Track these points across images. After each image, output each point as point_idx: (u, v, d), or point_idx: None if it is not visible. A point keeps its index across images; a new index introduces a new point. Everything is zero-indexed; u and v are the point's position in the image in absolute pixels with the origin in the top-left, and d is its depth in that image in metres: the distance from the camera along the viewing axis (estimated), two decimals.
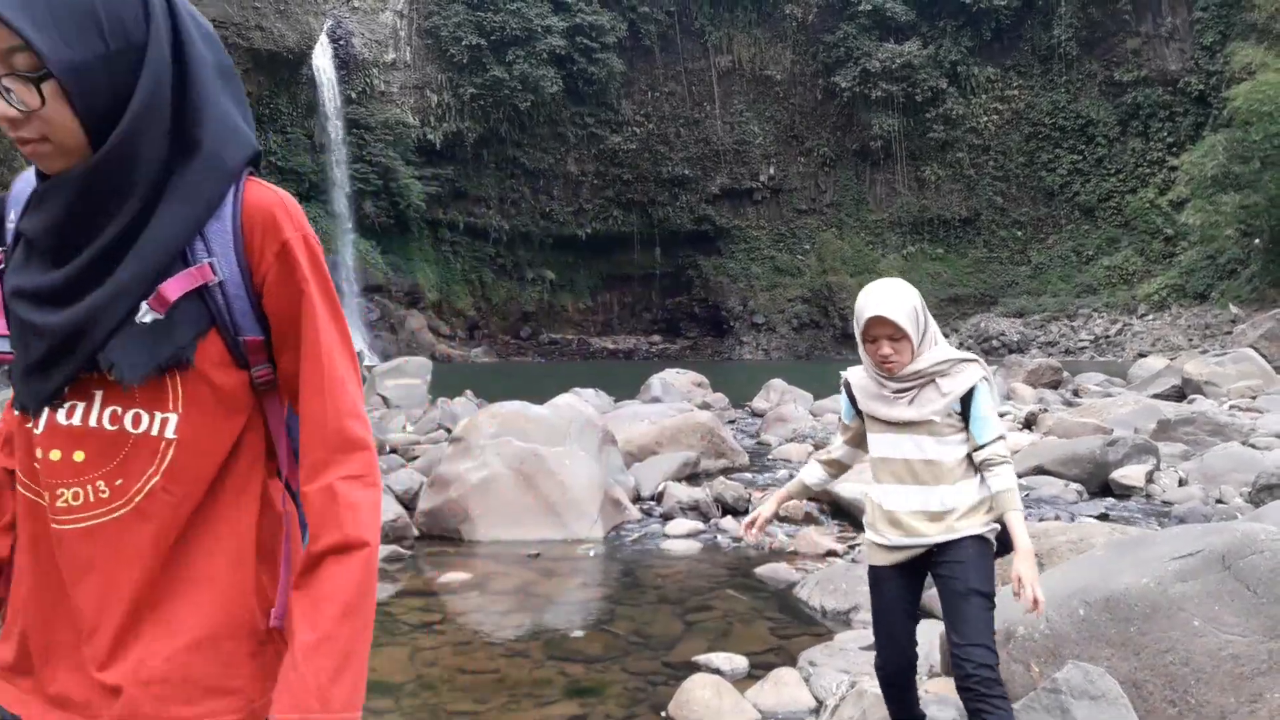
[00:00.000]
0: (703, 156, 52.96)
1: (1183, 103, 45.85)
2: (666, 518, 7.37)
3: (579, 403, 8.83)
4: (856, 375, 2.83)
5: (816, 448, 10.45)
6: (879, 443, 2.76)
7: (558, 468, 7.03)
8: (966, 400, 2.65)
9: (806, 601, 5.17)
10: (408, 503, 7.34)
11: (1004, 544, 2.67)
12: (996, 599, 2.65)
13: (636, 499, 7.98)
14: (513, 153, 50.66)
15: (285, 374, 1.25)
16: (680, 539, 6.77)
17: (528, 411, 7.71)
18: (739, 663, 4.17)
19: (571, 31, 48.00)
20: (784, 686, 3.75)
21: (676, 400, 13.64)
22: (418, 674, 4.15)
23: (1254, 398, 13.38)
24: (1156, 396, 14.08)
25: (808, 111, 52.77)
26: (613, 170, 52.49)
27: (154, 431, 1.17)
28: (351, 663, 1.15)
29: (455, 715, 3.72)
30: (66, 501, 1.16)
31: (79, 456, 1.16)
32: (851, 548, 6.34)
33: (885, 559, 2.77)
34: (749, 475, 9.38)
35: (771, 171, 53.24)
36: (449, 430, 10.71)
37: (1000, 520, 2.63)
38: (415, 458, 9.35)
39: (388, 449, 9.88)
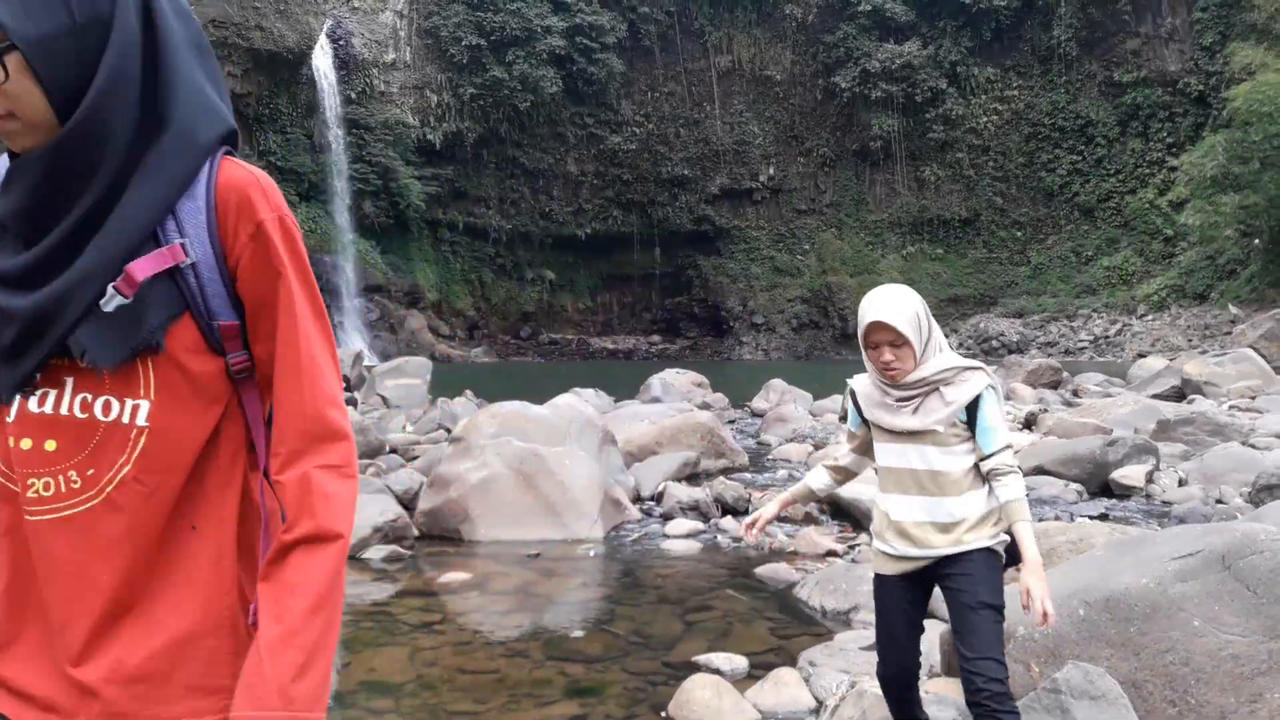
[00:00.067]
0: (702, 157, 52.96)
1: (1182, 103, 45.86)
2: (666, 518, 7.37)
3: (579, 403, 8.83)
4: (861, 383, 2.80)
5: (816, 448, 10.45)
6: (885, 452, 2.73)
7: (558, 468, 7.03)
8: (972, 409, 2.61)
9: (806, 601, 5.17)
10: (408, 503, 7.34)
11: (1013, 555, 2.63)
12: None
13: (636, 499, 7.98)
14: (512, 153, 50.66)
15: (261, 361, 1.20)
16: (680, 539, 6.77)
17: (528, 411, 7.71)
18: (739, 663, 4.17)
19: (571, 32, 48.01)
20: (784, 686, 3.75)
21: (676, 400, 13.64)
22: (418, 674, 4.15)
23: (1253, 398, 13.39)
24: (1156, 397, 14.08)
25: (807, 112, 52.77)
26: (612, 170, 52.49)
27: (125, 419, 1.13)
28: (318, 659, 1.11)
29: (455, 715, 3.72)
30: (38, 492, 1.12)
31: (50, 445, 1.12)
32: (851, 548, 6.34)
33: (892, 568, 2.74)
34: (749, 475, 9.39)
35: (771, 172, 53.24)
36: (449, 430, 10.71)
37: (1009, 531, 2.60)
38: (415, 458, 9.36)
39: (388, 449, 9.88)
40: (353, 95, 44.93)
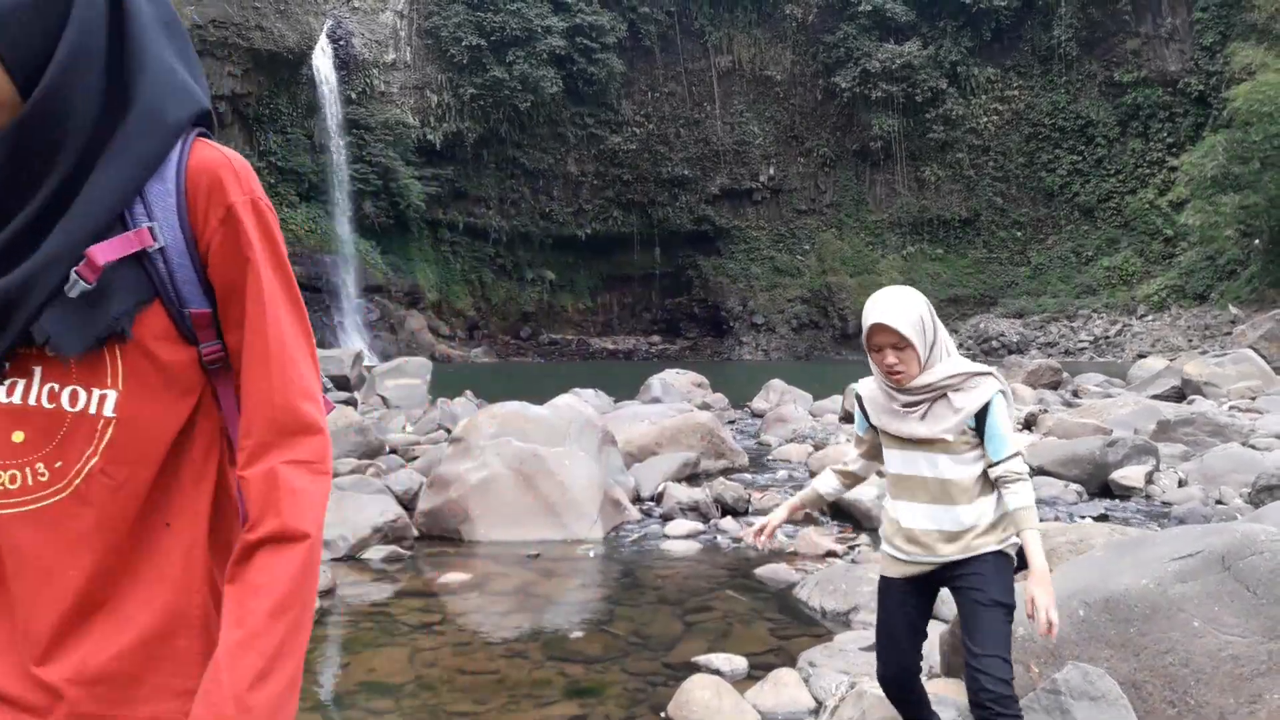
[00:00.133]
0: (702, 157, 52.97)
1: (1182, 103, 45.87)
2: (666, 518, 7.37)
3: (579, 403, 8.83)
4: (867, 387, 2.75)
5: (816, 448, 10.45)
6: (894, 458, 2.70)
7: (557, 468, 7.03)
8: (981, 416, 2.56)
9: (806, 602, 5.17)
10: (407, 503, 7.34)
11: (1024, 559, 2.59)
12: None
13: (636, 499, 7.98)
14: (513, 153, 50.67)
15: (233, 351, 1.15)
16: (680, 539, 6.77)
17: (527, 412, 7.72)
18: (738, 663, 4.17)
19: (571, 32, 48.01)
20: (783, 687, 3.75)
21: (676, 401, 13.64)
22: (417, 674, 4.15)
23: (1254, 398, 13.39)
24: (1156, 397, 14.08)
25: (808, 112, 52.78)
26: (612, 170, 52.49)
27: (92, 409, 1.08)
28: (280, 666, 1.05)
29: (455, 716, 3.72)
30: (4, 485, 1.08)
31: (18, 437, 1.08)
32: (851, 548, 6.34)
33: (898, 571, 2.74)
34: (749, 476, 9.39)
35: (771, 172, 53.24)
36: (449, 430, 10.71)
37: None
38: (415, 458, 9.36)
39: (387, 449, 9.88)
40: (353, 95, 44.93)
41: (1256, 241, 36.87)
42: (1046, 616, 2.39)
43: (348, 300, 42.61)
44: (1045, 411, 12.35)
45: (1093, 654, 3.05)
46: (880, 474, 2.91)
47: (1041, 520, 6.31)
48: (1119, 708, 2.81)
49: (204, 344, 1.14)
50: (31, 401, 1.08)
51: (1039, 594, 2.42)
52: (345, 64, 44.99)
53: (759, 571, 5.80)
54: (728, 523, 7.24)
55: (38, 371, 1.09)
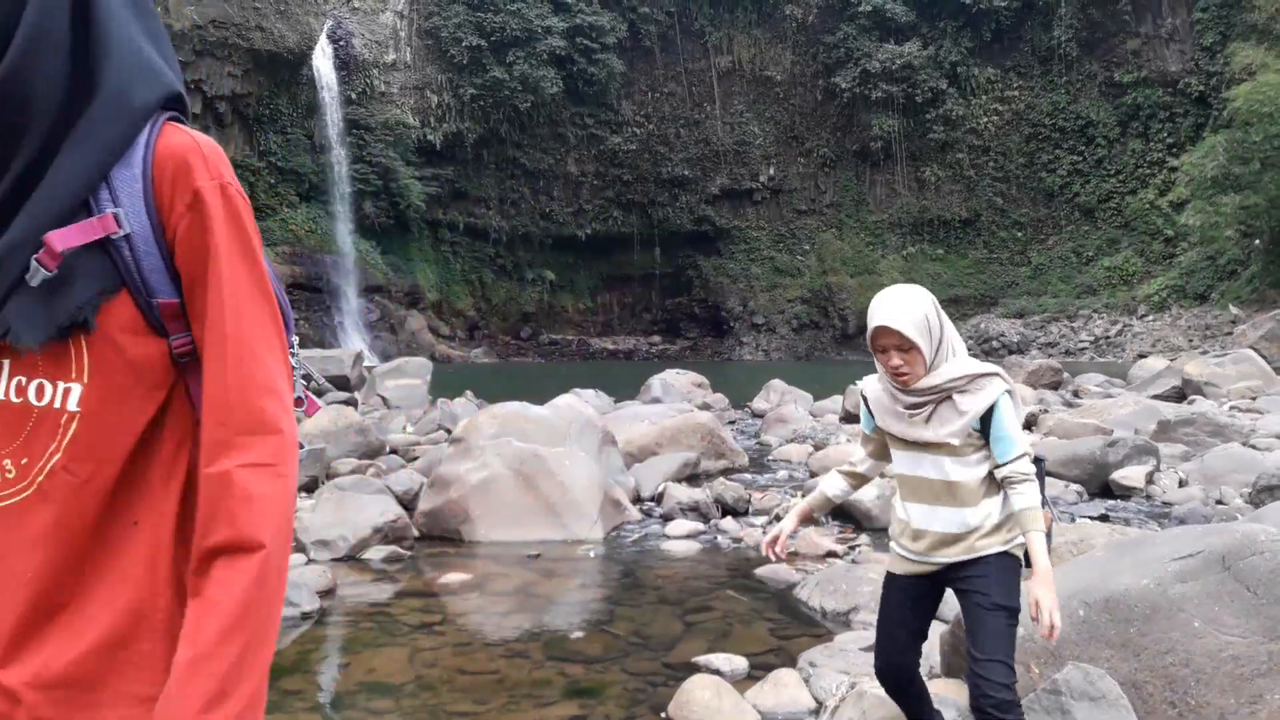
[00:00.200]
0: (703, 157, 52.97)
1: (1183, 104, 45.86)
2: (666, 518, 7.37)
3: (579, 403, 8.84)
4: (872, 387, 2.71)
5: (816, 448, 10.45)
6: (900, 459, 2.68)
7: (558, 468, 7.03)
8: (986, 417, 2.52)
9: (806, 602, 5.17)
10: (408, 503, 7.34)
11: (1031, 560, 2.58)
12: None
13: (636, 500, 7.98)
14: (513, 153, 50.68)
15: (197, 344, 1.10)
16: (680, 540, 6.77)
17: (528, 412, 7.72)
18: (739, 663, 4.17)
19: (571, 32, 48.01)
20: (784, 687, 3.74)
21: (676, 401, 13.64)
22: (417, 675, 4.15)
23: (1254, 398, 13.38)
24: (1156, 397, 14.08)
25: (808, 112, 52.78)
26: (613, 171, 52.50)
27: (56, 404, 1.05)
28: (236, 689, 0.99)
29: (455, 716, 3.72)
30: None
31: None
32: (852, 548, 6.34)
33: (903, 568, 2.74)
34: (749, 476, 9.39)
35: (771, 172, 53.24)
36: (449, 431, 10.71)
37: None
38: (415, 458, 9.36)
39: (388, 449, 9.88)
40: (353, 96, 44.94)
41: (1257, 242, 36.86)
42: (1050, 619, 2.37)
43: (348, 300, 42.62)
44: (1046, 412, 12.35)
45: (1093, 654, 3.05)
46: (883, 475, 2.90)
47: None
48: (1119, 708, 2.81)
49: (174, 336, 1.10)
50: (0, 396, 1.05)
51: (1043, 596, 2.40)
52: (345, 64, 45.00)
53: (759, 571, 5.80)
54: (728, 523, 7.24)
55: (6, 365, 1.05)
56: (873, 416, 2.73)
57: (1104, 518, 6.89)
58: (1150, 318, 41.04)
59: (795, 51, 51.92)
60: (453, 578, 5.77)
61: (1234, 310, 35.84)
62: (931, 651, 3.67)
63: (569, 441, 7.36)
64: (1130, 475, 7.98)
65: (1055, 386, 17.22)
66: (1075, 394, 16.49)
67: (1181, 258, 42.65)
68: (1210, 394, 14.24)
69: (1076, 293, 46.20)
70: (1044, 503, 2.71)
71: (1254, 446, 8.97)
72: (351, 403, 14.32)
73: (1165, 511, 7.26)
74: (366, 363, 20.02)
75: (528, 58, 47.06)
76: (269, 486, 1.06)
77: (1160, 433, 10.05)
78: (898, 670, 2.77)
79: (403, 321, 44.60)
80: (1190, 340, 35.60)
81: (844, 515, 7.17)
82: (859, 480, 2.93)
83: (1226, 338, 31.79)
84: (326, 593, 5.40)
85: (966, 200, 50.84)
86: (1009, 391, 2.56)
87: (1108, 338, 41.17)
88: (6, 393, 1.05)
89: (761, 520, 7.32)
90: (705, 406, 14.12)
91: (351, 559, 6.20)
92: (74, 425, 1.05)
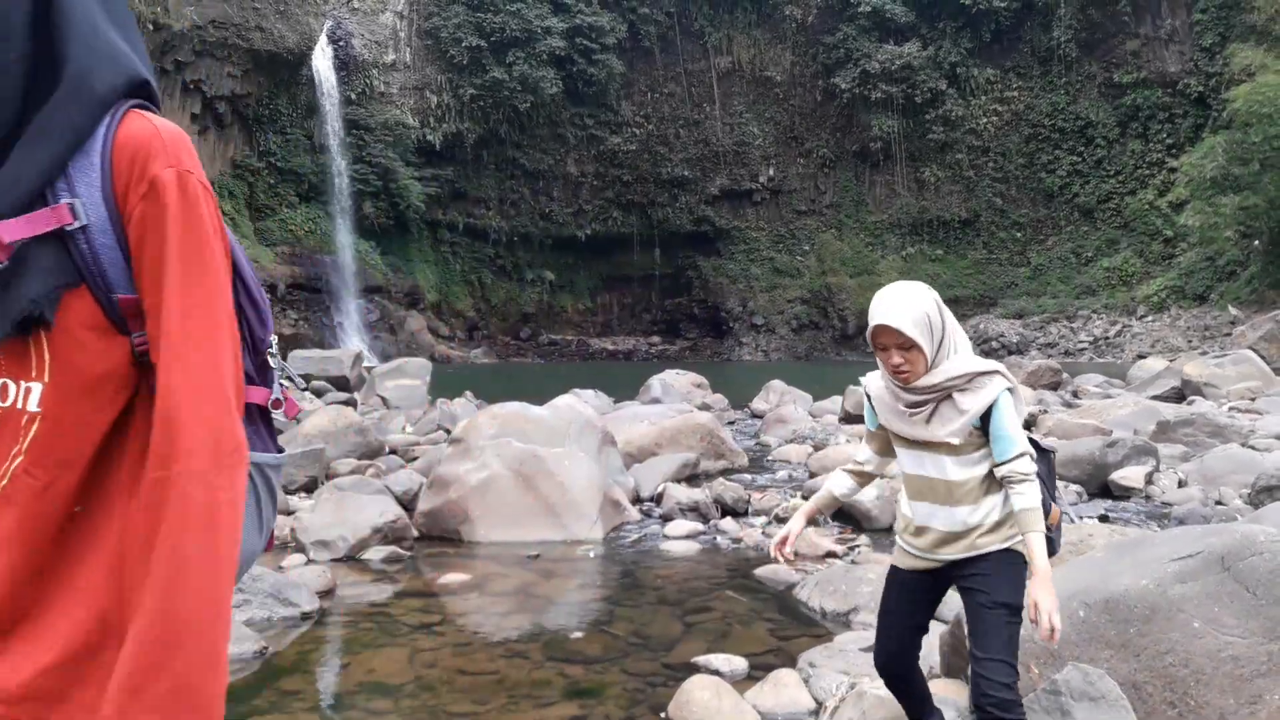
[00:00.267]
0: (702, 157, 52.97)
1: (1182, 104, 45.87)
2: (666, 519, 7.37)
3: (578, 404, 8.83)
4: (875, 384, 2.69)
5: (816, 449, 10.45)
6: (903, 457, 2.68)
7: (557, 469, 7.03)
8: (987, 415, 2.50)
9: (806, 603, 5.17)
10: (407, 504, 7.34)
11: (1048, 550, 2.55)
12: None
13: (636, 500, 7.98)
14: (512, 154, 50.68)
15: (151, 342, 1.05)
16: (680, 540, 6.77)
17: (527, 412, 7.71)
18: (738, 664, 4.17)
19: (571, 33, 48.01)
20: (783, 688, 3.75)
21: (676, 401, 13.64)
22: (417, 675, 4.15)
23: (1253, 399, 13.39)
24: (1156, 398, 14.08)
25: (807, 113, 52.78)
26: (612, 171, 52.50)
27: (19, 404, 1.01)
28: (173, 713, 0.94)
29: (455, 716, 3.72)
30: None
31: None
32: (851, 549, 6.34)
33: (907, 563, 2.74)
34: (748, 476, 9.38)
35: (771, 173, 53.25)
36: (448, 431, 10.71)
37: None
38: (415, 459, 9.36)
39: (387, 450, 9.88)
40: (353, 96, 44.94)
41: (1256, 242, 36.87)
42: (1049, 621, 2.36)
43: (347, 301, 42.61)
44: (1045, 412, 12.35)
45: (1093, 655, 3.05)
46: (883, 476, 2.90)
47: None
48: (1119, 709, 2.81)
49: (135, 334, 1.05)
50: None
51: (1042, 598, 2.38)
52: (345, 65, 45.00)
53: (759, 572, 5.80)
54: (727, 523, 7.24)
55: None
56: (876, 414, 2.72)
57: (1103, 518, 6.88)
58: (1149, 318, 41.05)
59: (795, 52, 51.92)
60: (452, 578, 5.77)
61: (1233, 311, 35.85)
62: (931, 651, 3.67)
63: (569, 442, 7.36)
64: (1130, 476, 7.98)
65: (1054, 387, 17.22)
66: (1074, 394, 16.49)
67: (1181, 258, 42.66)
68: (1209, 395, 14.24)
69: (1076, 293, 46.21)
70: (1053, 498, 2.70)
71: (1253, 447, 8.97)
72: (351, 403, 14.31)
73: (1165, 512, 7.26)
74: (366, 363, 20.02)
75: (527, 58, 47.06)
76: (198, 496, 1.00)
77: (1159, 433, 10.05)
78: (898, 664, 2.77)
79: (402, 322, 44.59)
80: (1189, 341, 35.61)
81: (844, 516, 7.17)
82: (865, 478, 2.91)
83: (1225, 338, 31.81)
84: (326, 593, 5.40)
85: (966, 201, 50.86)
86: (1010, 390, 2.53)
87: (1107, 338, 41.17)
88: None
89: (761, 521, 7.32)
90: (705, 407, 14.12)
91: (351, 559, 6.20)
92: (35, 427, 1.01)
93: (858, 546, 6.40)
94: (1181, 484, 8.04)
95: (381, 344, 41.68)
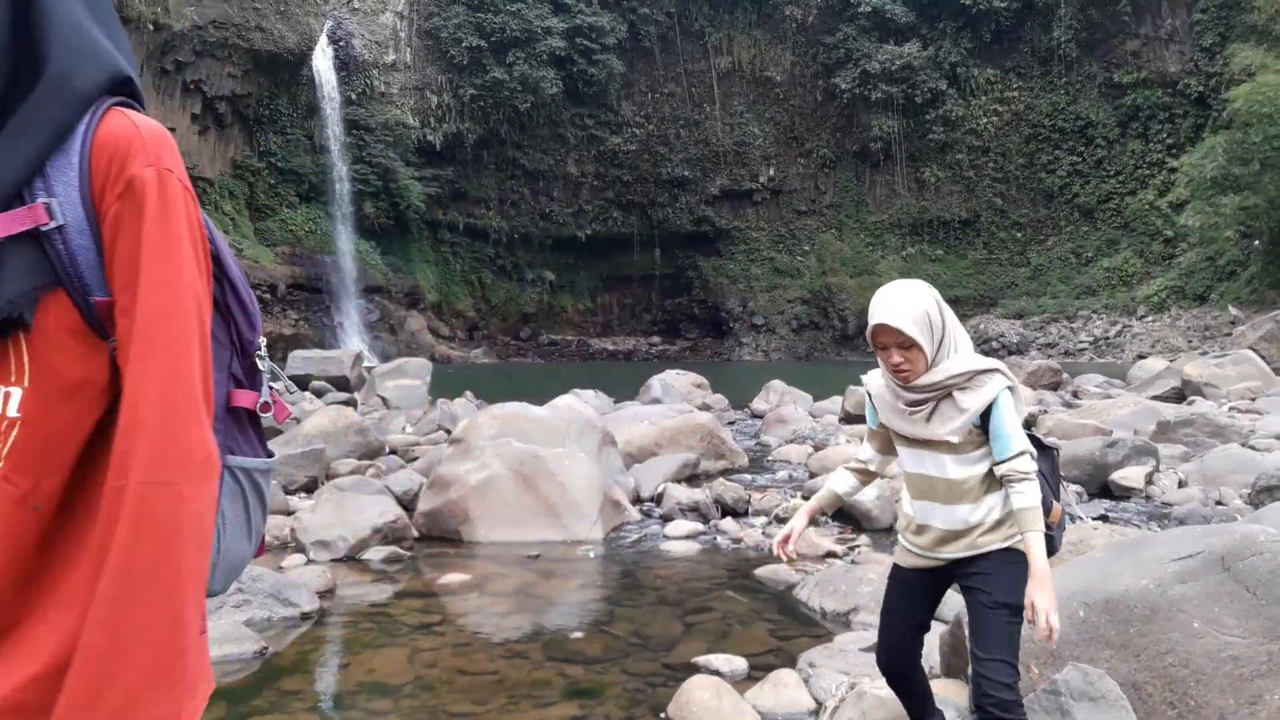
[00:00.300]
0: (702, 158, 52.97)
1: (1182, 104, 45.86)
2: (666, 519, 7.37)
3: (579, 404, 8.83)
4: (875, 383, 2.69)
5: (816, 449, 10.45)
6: (903, 456, 2.68)
7: (557, 469, 7.03)
8: (987, 414, 2.49)
9: (806, 603, 5.17)
10: (407, 504, 7.35)
11: (1047, 549, 2.53)
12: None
13: (636, 500, 7.98)
14: (512, 154, 50.68)
15: (121, 345, 1.02)
16: (680, 540, 6.77)
17: (527, 413, 7.71)
18: (738, 664, 4.17)
19: (571, 33, 48.01)
20: (783, 688, 3.75)
21: (676, 401, 13.64)
22: (417, 675, 4.15)
23: (1253, 399, 13.39)
24: (1156, 398, 14.08)
25: (808, 113, 52.78)
26: (612, 171, 52.50)
27: None
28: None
29: (454, 716, 3.72)
30: None
31: None
32: (851, 549, 6.34)
33: (909, 561, 2.75)
34: (748, 476, 9.38)
35: (771, 173, 53.24)
36: (449, 431, 10.71)
37: None
38: (415, 459, 9.37)
39: (387, 450, 9.88)
40: (353, 96, 44.95)
41: (1256, 242, 36.87)
42: (1047, 621, 2.35)
43: (347, 301, 42.61)
44: (1045, 412, 12.34)
45: (1093, 655, 3.05)
46: (882, 476, 2.90)
47: None
48: (1119, 709, 2.81)
49: (114, 339, 1.03)
50: None
51: (1040, 598, 2.38)
52: (345, 65, 45.00)
53: (759, 572, 5.80)
54: (728, 523, 7.24)
55: None
56: (877, 412, 2.72)
57: (1103, 518, 6.88)
58: (1149, 318, 41.04)
59: (795, 52, 51.92)
60: (452, 578, 5.77)
61: (1233, 311, 35.84)
62: (931, 651, 3.67)
63: (569, 442, 7.36)
64: (1130, 476, 7.98)
65: (1055, 387, 17.22)
66: (1075, 395, 16.49)
67: (1181, 259, 42.65)
68: (1210, 395, 14.24)
69: (1076, 293, 46.20)
70: (1056, 496, 2.69)
71: (1253, 447, 8.97)
72: (351, 403, 14.31)
73: (1165, 512, 7.26)
74: (366, 363, 20.02)
75: (528, 58, 47.07)
76: (164, 508, 0.98)
77: (1160, 433, 10.05)
78: (900, 663, 2.77)
79: (402, 322, 44.60)
80: (1189, 341, 35.61)
81: (844, 516, 7.17)
82: (868, 476, 2.90)
83: (1226, 338, 31.81)
84: (326, 593, 5.40)
85: (966, 201, 50.85)
86: (1010, 388, 2.52)
87: (1107, 338, 41.17)
88: None
89: (761, 521, 7.32)
90: (705, 407, 14.12)
91: (351, 559, 6.20)
92: (14, 432, 0.99)
93: (858, 547, 6.40)
94: (1181, 484, 8.04)
95: (381, 344, 41.68)
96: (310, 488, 7.98)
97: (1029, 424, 11.47)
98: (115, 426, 1.02)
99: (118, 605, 0.96)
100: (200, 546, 1.02)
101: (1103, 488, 8.08)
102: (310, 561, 6.05)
